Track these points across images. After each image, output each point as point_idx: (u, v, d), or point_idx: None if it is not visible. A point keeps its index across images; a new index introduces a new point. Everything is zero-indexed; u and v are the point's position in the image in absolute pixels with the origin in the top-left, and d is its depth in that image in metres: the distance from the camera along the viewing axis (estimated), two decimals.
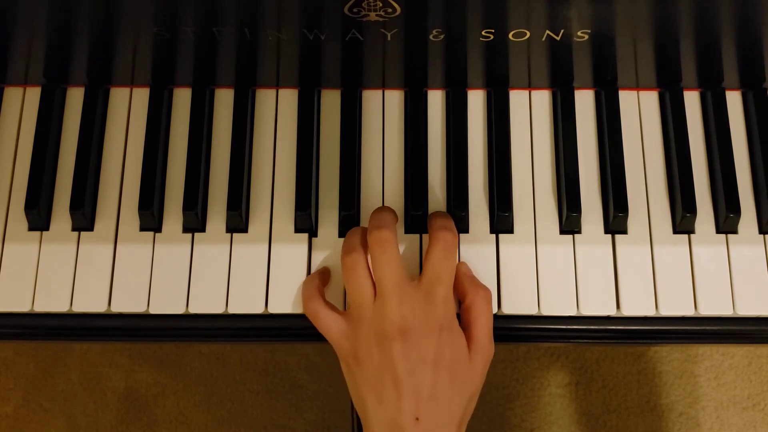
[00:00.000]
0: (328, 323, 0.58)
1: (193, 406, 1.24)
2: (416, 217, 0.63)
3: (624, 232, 0.64)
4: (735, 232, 0.64)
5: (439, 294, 0.57)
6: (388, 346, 0.55)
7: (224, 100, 0.67)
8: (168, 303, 0.62)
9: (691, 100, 0.68)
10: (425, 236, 0.64)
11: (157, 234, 0.64)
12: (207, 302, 0.62)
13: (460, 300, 0.61)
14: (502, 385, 1.23)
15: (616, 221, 0.63)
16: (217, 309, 0.62)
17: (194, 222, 0.63)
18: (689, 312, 0.62)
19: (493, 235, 0.64)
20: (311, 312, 0.59)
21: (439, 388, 0.55)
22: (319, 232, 0.64)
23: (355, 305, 0.58)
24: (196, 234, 0.64)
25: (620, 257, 0.63)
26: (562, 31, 0.59)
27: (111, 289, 0.62)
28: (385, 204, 0.64)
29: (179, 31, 0.59)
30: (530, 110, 0.67)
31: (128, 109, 0.67)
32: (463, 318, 0.60)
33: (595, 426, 1.23)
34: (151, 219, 0.63)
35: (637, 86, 0.67)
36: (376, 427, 0.56)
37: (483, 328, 0.58)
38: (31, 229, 0.64)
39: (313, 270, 0.63)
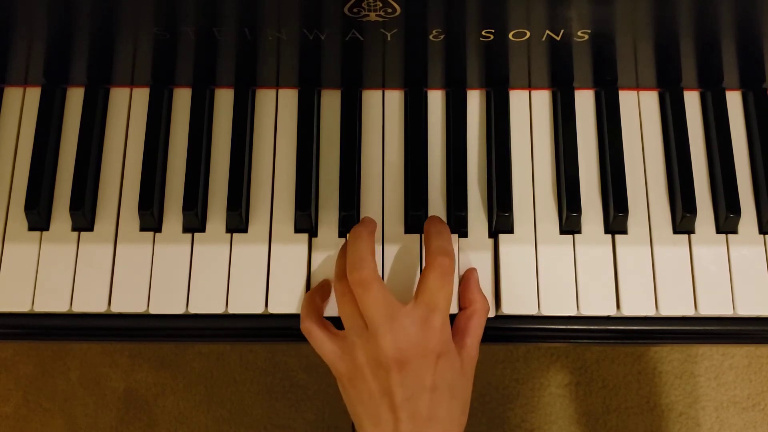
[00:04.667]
0: (322, 343, 0.58)
1: (193, 406, 1.24)
2: (416, 216, 0.63)
3: (624, 232, 0.64)
4: (735, 232, 0.64)
5: (437, 323, 0.56)
6: (385, 376, 0.55)
7: (224, 100, 0.67)
8: (168, 303, 0.62)
9: (691, 100, 0.68)
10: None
11: (157, 234, 0.64)
12: (207, 302, 0.62)
13: (464, 304, 0.61)
14: (502, 385, 1.23)
15: (616, 221, 0.63)
16: (217, 309, 0.62)
17: (194, 222, 0.63)
18: (689, 312, 0.62)
19: (494, 236, 0.64)
20: (306, 331, 0.59)
21: (438, 408, 0.55)
22: (319, 232, 0.64)
23: (349, 331, 0.58)
24: (196, 234, 0.64)
25: (620, 257, 0.63)
26: (562, 31, 0.59)
27: (111, 289, 0.62)
28: (385, 204, 0.64)
29: (179, 31, 0.59)
30: (530, 110, 0.67)
31: (128, 109, 0.67)
32: (460, 322, 0.60)
33: (595, 426, 1.23)
34: (151, 219, 0.63)
35: (637, 86, 0.67)
36: None
37: (477, 339, 0.59)
38: (31, 229, 0.64)
39: (313, 270, 0.63)
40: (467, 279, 0.62)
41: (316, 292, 0.61)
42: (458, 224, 0.63)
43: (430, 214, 0.64)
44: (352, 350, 0.57)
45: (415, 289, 0.62)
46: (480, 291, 0.61)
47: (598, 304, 0.62)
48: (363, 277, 0.56)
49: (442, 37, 0.60)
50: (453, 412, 0.56)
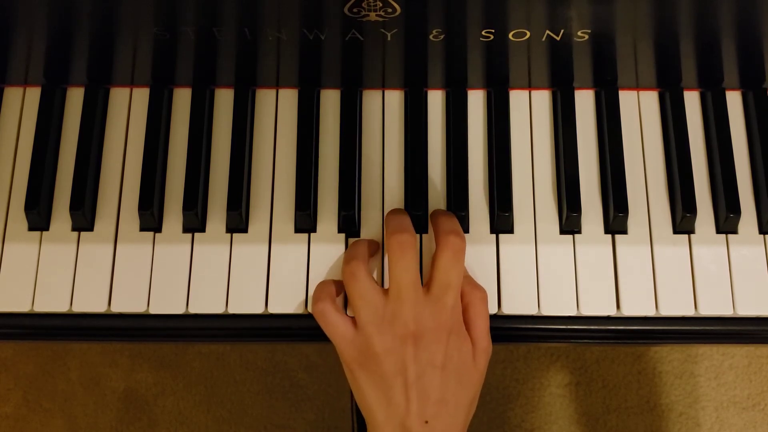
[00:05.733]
0: (335, 324, 0.58)
1: (193, 406, 1.24)
2: (416, 217, 0.63)
3: (624, 232, 0.64)
4: (735, 232, 0.64)
5: (449, 301, 0.57)
6: (399, 351, 0.55)
7: (224, 100, 0.67)
8: (168, 303, 0.62)
9: (691, 100, 0.68)
10: (425, 236, 0.64)
11: (157, 234, 0.64)
12: (207, 302, 0.62)
13: None
14: (502, 385, 1.23)
15: (616, 221, 0.63)
16: (217, 309, 0.62)
17: (194, 222, 0.63)
18: (689, 312, 0.62)
19: (493, 235, 0.64)
20: (319, 311, 0.59)
21: (448, 391, 0.56)
22: (319, 232, 0.64)
23: (362, 311, 0.57)
24: (196, 234, 0.64)
25: (620, 257, 0.63)
26: (562, 31, 0.59)
27: (111, 289, 0.62)
28: (385, 204, 0.64)
29: (179, 31, 0.59)
30: (530, 110, 0.67)
31: (128, 109, 0.67)
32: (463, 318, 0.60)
33: (595, 426, 1.23)
34: (151, 219, 0.63)
35: (637, 86, 0.67)
36: (384, 429, 0.56)
37: (482, 329, 0.59)
38: (31, 229, 0.64)
39: (312, 270, 0.63)
40: None
41: (330, 281, 0.61)
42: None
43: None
44: (365, 329, 0.57)
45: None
46: (469, 282, 0.61)
47: (598, 304, 0.62)
48: (405, 241, 0.57)
49: (442, 37, 0.60)
50: (460, 399, 0.56)
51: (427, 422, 0.55)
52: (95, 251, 0.63)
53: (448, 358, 0.56)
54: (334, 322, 0.58)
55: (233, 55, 0.63)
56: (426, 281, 0.59)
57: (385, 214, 0.64)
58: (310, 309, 0.61)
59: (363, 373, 0.57)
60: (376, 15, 0.57)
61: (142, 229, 0.64)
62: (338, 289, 0.61)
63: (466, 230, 0.64)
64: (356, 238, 0.63)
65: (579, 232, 0.64)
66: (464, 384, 0.57)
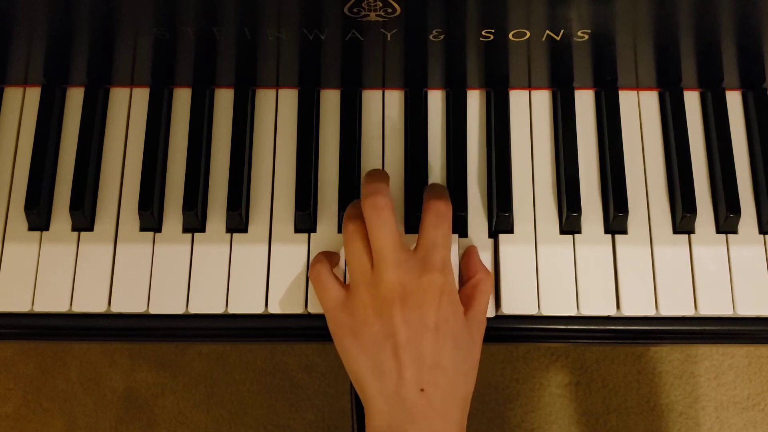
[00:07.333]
0: (329, 287, 0.58)
1: (193, 406, 1.24)
2: (417, 217, 0.63)
3: (624, 232, 0.64)
4: (735, 232, 0.64)
5: (437, 259, 0.56)
6: (387, 312, 0.54)
7: (224, 100, 0.67)
8: (168, 303, 0.62)
9: (691, 100, 0.68)
10: None
11: (157, 234, 0.64)
12: (207, 302, 0.62)
13: (469, 275, 0.61)
14: (502, 385, 1.23)
15: (616, 221, 0.63)
16: (217, 309, 0.62)
17: (194, 222, 0.63)
18: (689, 312, 0.62)
19: (493, 236, 0.64)
20: (315, 274, 0.59)
21: (443, 354, 0.54)
22: (319, 232, 0.64)
23: (354, 273, 0.57)
24: (196, 234, 0.64)
25: (620, 257, 0.63)
26: (562, 31, 0.59)
27: (111, 289, 0.62)
28: None
29: (179, 31, 0.59)
30: (530, 110, 0.67)
31: (128, 109, 0.67)
32: (466, 290, 0.60)
33: (595, 426, 1.23)
34: (151, 219, 0.63)
35: (637, 86, 0.67)
36: (377, 401, 0.54)
37: (481, 305, 0.59)
38: (31, 229, 0.64)
39: None
40: (469, 253, 0.62)
41: (329, 251, 0.62)
42: (458, 224, 0.63)
43: None
44: (357, 292, 0.56)
45: None
46: (482, 263, 0.62)
47: (598, 304, 0.62)
48: (378, 203, 0.56)
49: (442, 37, 0.60)
50: (458, 365, 0.55)
51: (423, 390, 0.53)
52: (95, 251, 0.63)
53: (441, 320, 0.55)
54: (327, 285, 0.58)
55: (233, 55, 0.63)
56: (415, 247, 0.58)
57: None
58: (308, 274, 0.61)
59: (354, 340, 0.56)
60: (376, 15, 0.57)
61: (142, 229, 0.64)
62: (335, 260, 0.62)
63: (465, 231, 0.64)
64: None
65: (579, 232, 0.64)
66: (461, 349, 0.55)
